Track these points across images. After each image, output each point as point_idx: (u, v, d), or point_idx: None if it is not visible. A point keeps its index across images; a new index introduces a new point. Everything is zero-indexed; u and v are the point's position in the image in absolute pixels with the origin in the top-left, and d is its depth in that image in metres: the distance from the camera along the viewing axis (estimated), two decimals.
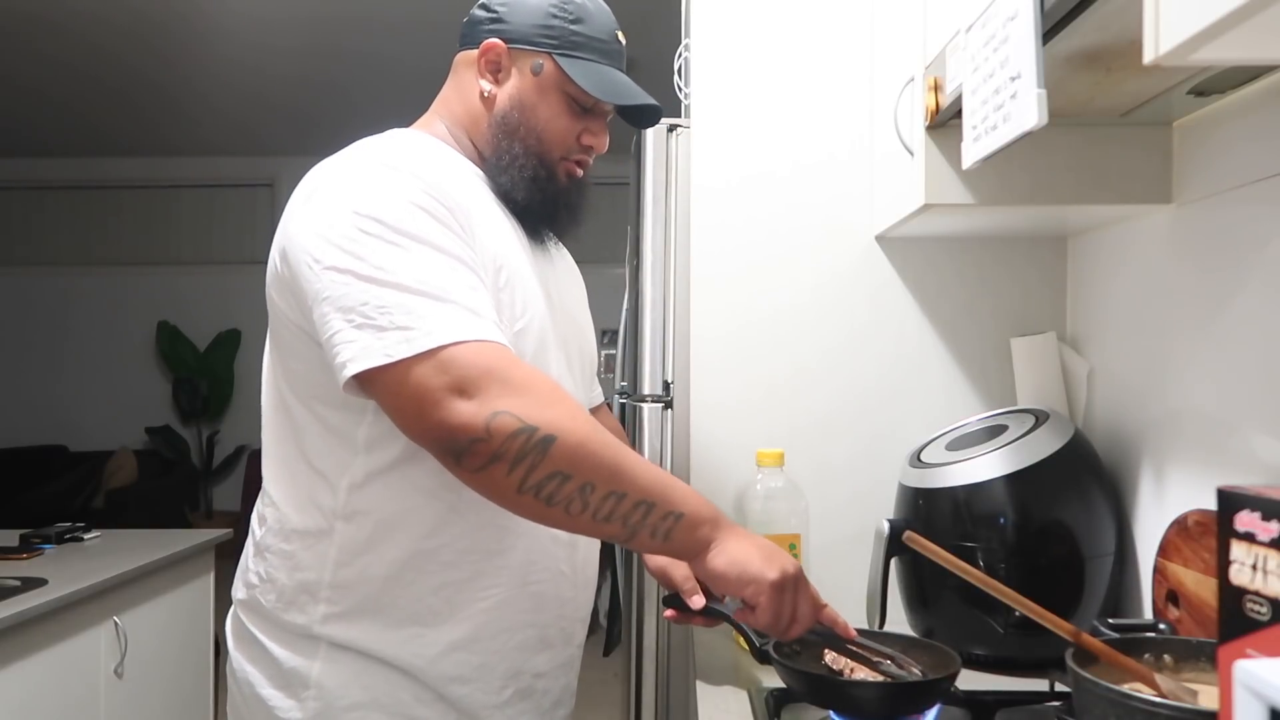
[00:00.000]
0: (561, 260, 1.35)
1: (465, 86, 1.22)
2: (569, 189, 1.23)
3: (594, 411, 1.42)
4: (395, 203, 1.03)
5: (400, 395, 0.97)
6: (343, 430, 1.08)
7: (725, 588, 1.04)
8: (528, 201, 1.20)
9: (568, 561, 1.17)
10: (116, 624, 2.28)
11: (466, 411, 0.94)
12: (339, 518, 1.09)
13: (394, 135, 1.18)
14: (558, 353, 1.21)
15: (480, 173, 1.20)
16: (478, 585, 1.11)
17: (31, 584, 2.12)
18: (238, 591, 1.19)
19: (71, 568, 2.30)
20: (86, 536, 2.65)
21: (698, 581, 1.16)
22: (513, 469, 0.94)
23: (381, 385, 0.98)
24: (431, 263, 1.01)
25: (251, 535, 1.19)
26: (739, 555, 1.02)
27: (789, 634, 1.05)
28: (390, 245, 1.00)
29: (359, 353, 0.97)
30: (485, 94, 1.20)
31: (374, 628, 1.09)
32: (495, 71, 1.20)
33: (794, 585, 1.03)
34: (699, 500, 1.03)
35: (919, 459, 1.39)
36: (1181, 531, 1.15)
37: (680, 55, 1.79)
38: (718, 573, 1.02)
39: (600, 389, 1.47)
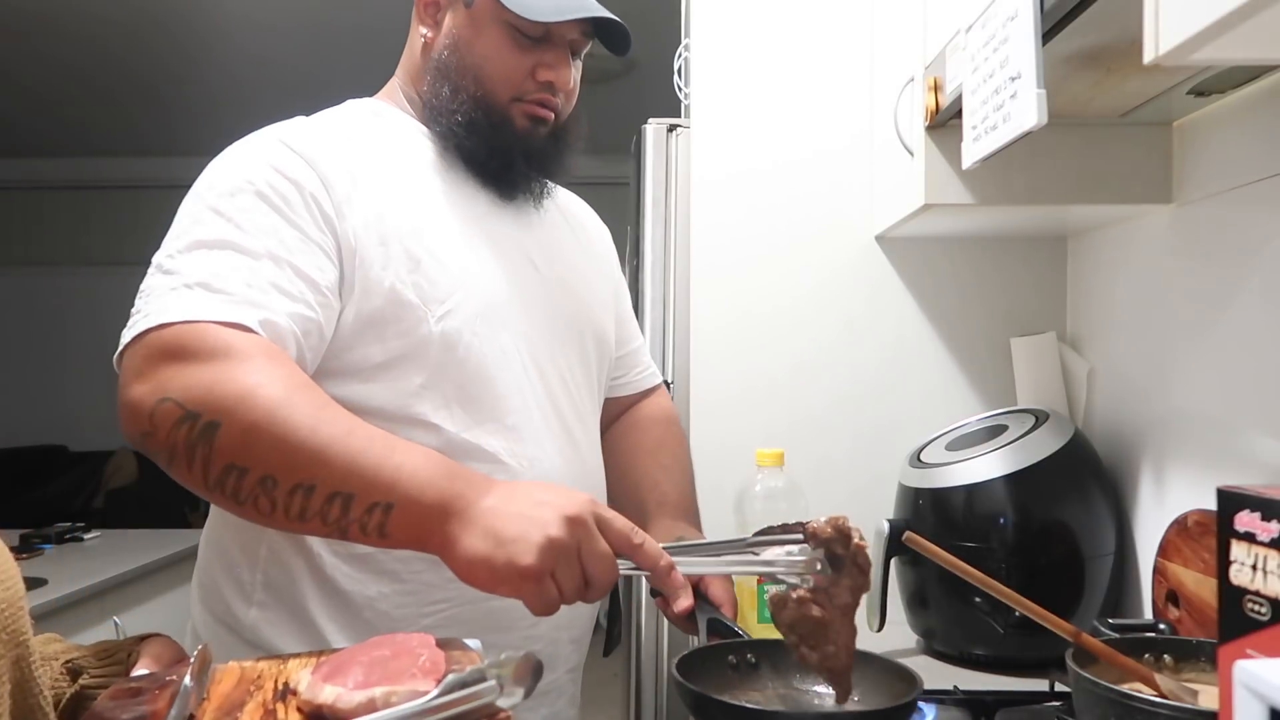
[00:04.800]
0: (550, 221, 1.17)
1: (413, 39, 1.12)
2: (529, 135, 1.07)
3: (643, 396, 1.31)
4: (225, 180, 0.95)
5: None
6: None
7: (486, 590, 0.79)
8: (471, 151, 1.06)
9: None
10: (116, 624, 2.28)
11: (135, 397, 0.82)
12: None
13: (345, 105, 1.11)
14: (534, 331, 1.06)
15: (428, 131, 1.09)
16: (423, 599, 0.97)
17: (31, 584, 2.12)
18: (193, 594, 1.09)
19: (71, 568, 2.30)
20: (86, 536, 2.66)
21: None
22: (191, 464, 0.80)
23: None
24: (211, 241, 0.90)
25: (205, 527, 1.09)
26: (479, 548, 0.77)
27: (590, 599, 0.81)
28: (191, 222, 0.92)
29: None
30: (425, 39, 1.09)
31: (304, 641, 0.96)
32: (434, 14, 1.09)
33: (570, 554, 0.77)
34: (425, 479, 0.79)
35: (919, 459, 1.39)
36: (1181, 531, 1.15)
37: (680, 55, 1.79)
38: (463, 578, 0.79)
39: (652, 370, 1.34)
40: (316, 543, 0.97)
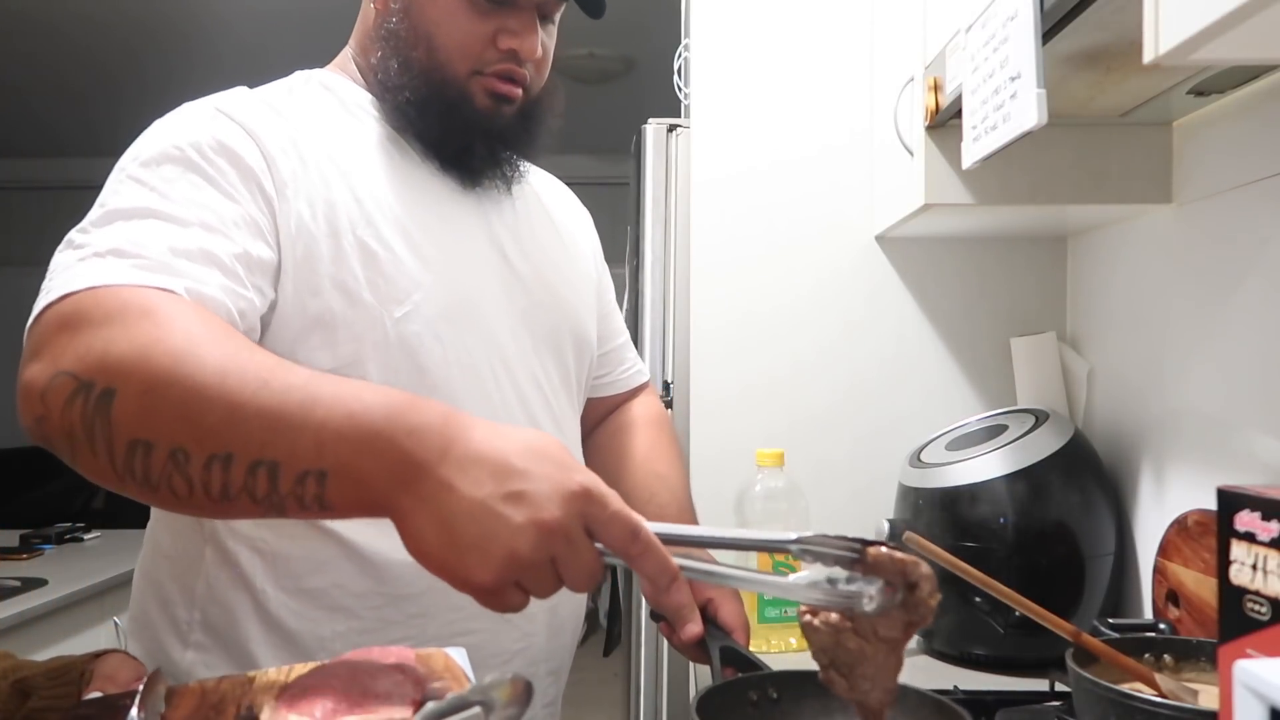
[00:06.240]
0: (525, 207, 1.05)
1: (365, 6, 1.00)
2: (491, 114, 0.95)
3: (630, 395, 1.23)
4: (149, 148, 0.83)
5: None
6: None
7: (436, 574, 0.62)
8: (423, 133, 0.95)
9: None
10: (116, 624, 2.28)
11: (29, 377, 0.68)
12: (207, 541, 0.88)
13: (292, 76, 1.00)
14: (507, 332, 0.97)
15: (382, 106, 0.98)
16: (382, 637, 0.87)
17: (31, 584, 2.12)
18: (128, 626, 0.98)
19: (71, 568, 2.31)
20: (86, 536, 2.66)
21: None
22: (94, 447, 0.64)
23: None
24: (130, 210, 0.78)
25: (139, 557, 0.98)
26: (430, 540, 0.60)
27: (579, 588, 0.63)
28: (109, 194, 0.80)
29: None
30: (375, 4, 0.97)
31: None
32: None
33: (539, 569, 0.60)
34: (358, 439, 0.61)
35: (919, 459, 1.39)
36: (1181, 531, 1.15)
37: (680, 55, 1.79)
38: (416, 560, 0.62)
39: (639, 368, 1.25)
40: (260, 577, 0.87)
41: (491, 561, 0.58)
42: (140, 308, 0.69)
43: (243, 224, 0.82)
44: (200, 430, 0.62)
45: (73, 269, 0.73)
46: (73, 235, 0.78)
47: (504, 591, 0.60)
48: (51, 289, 0.72)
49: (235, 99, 0.90)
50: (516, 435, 0.63)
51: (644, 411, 1.23)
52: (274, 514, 0.64)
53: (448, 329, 0.91)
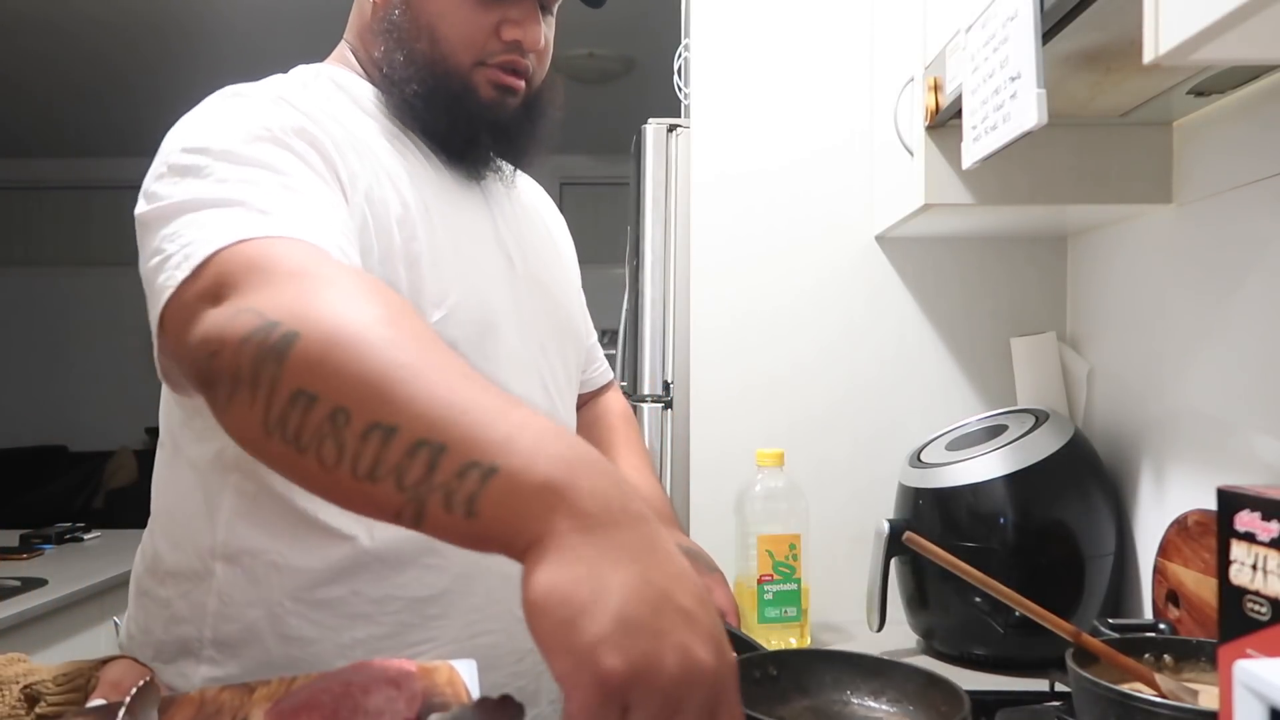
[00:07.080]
0: (518, 209, 1.06)
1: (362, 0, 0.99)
2: (496, 106, 0.95)
3: (598, 393, 1.26)
4: (234, 128, 0.80)
5: (170, 335, 0.70)
6: (219, 440, 0.84)
7: (536, 641, 0.50)
8: (429, 125, 0.94)
9: None
10: (116, 624, 2.28)
11: (211, 318, 0.65)
12: (218, 558, 0.86)
13: (297, 72, 0.98)
14: (517, 335, 0.97)
15: (388, 102, 0.97)
16: (402, 641, 0.87)
17: (31, 584, 2.12)
18: (121, 645, 0.95)
19: (71, 568, 2.31)
20: (86, 536, 2.66)
21: None
22: (255, 391, 0.60)
23: (166, 335, 0.71)
24: (238, 176, 0.75)
25: (133, 573, 0.96)
26: (578, 590, 0.49)
27: None
28: (219, 166, 0.77)
29: (151, 305, 0.73)
30: None
31: None
32: None
33: (665, 700, 0.48)
34: (554, 450, 0.54)
35: (919, 459, 1.39)
36: (1181, 531, 1.15)
37: (680, 55, 1.79)
38: (529, 603, 0.50)
39: (606, 366, 1.29)
40: (277, 590, 0.86)
41: (633, 654, 0.47)
42: (339, 272, 0.67)
43: (339, 205, 0.81)
44: (372, 394, 0.56)
45: (238, 221, 0.70)
46: (206, 197, 0.74)
47: (611, 700, 0.47)
48: (202, 239, 0.70)
49: (288, 89, 0.88)
50: (694, 572, 0.55)
51: (617, 406, 1.27)
52: (408, 514, 0.55)
53: (474, 333, 0.91)
